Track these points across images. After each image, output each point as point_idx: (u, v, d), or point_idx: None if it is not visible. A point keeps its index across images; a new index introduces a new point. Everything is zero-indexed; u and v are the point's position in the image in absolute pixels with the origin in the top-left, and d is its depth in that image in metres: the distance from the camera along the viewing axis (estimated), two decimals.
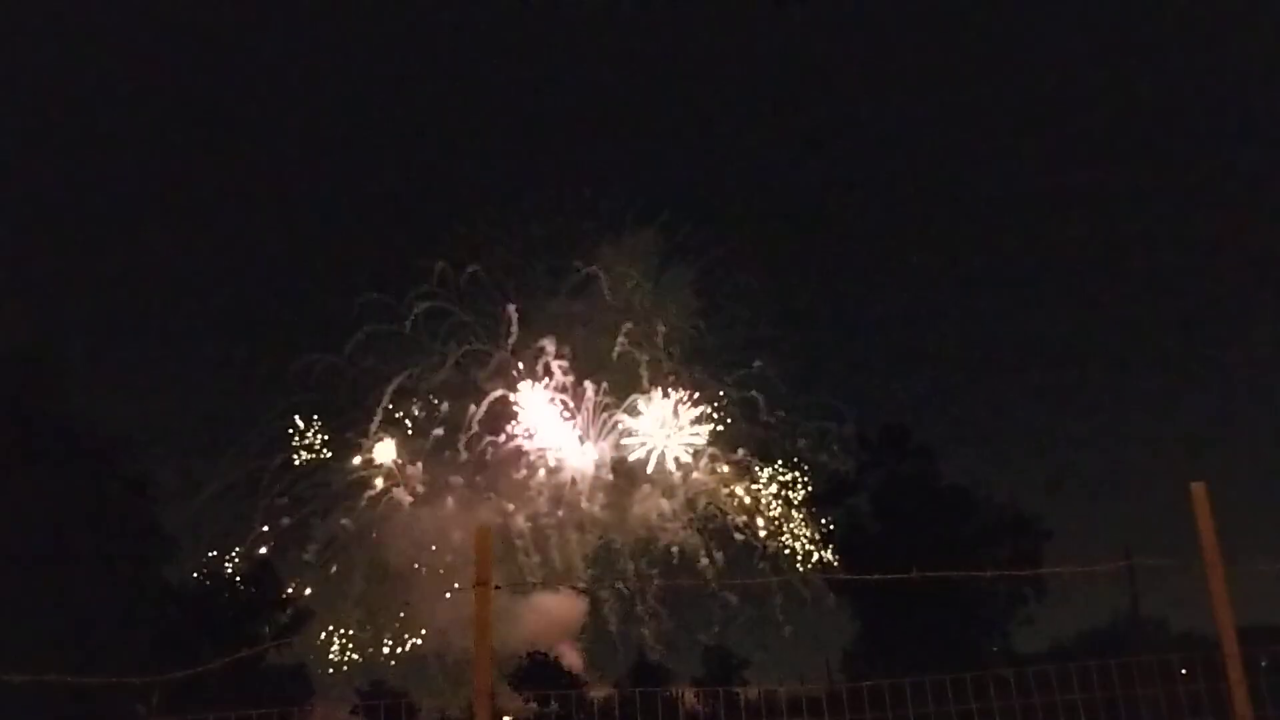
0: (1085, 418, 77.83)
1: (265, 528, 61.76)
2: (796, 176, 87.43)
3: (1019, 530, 42.97)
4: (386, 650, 61.02)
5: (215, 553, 54.69)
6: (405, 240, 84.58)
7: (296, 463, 62.86)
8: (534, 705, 44.14)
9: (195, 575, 46.84)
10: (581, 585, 69.91)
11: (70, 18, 74.13)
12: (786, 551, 63.93)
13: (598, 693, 46.72)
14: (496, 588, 6.30)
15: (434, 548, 62.98)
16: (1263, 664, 7.28)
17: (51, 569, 34.60)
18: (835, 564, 52.85)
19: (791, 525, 64.12)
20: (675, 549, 64.88)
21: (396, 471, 64.80)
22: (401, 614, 60.93)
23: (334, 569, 62.52)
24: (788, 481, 64.68)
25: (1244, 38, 74.80)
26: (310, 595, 56.44)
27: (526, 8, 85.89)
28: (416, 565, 62.34)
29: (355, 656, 60.14)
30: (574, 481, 65.48)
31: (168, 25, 78.99)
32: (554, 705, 41.28)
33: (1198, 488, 6.72)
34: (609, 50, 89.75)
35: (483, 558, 6.33)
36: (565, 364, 66.04)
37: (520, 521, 63.69)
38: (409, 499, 64.75)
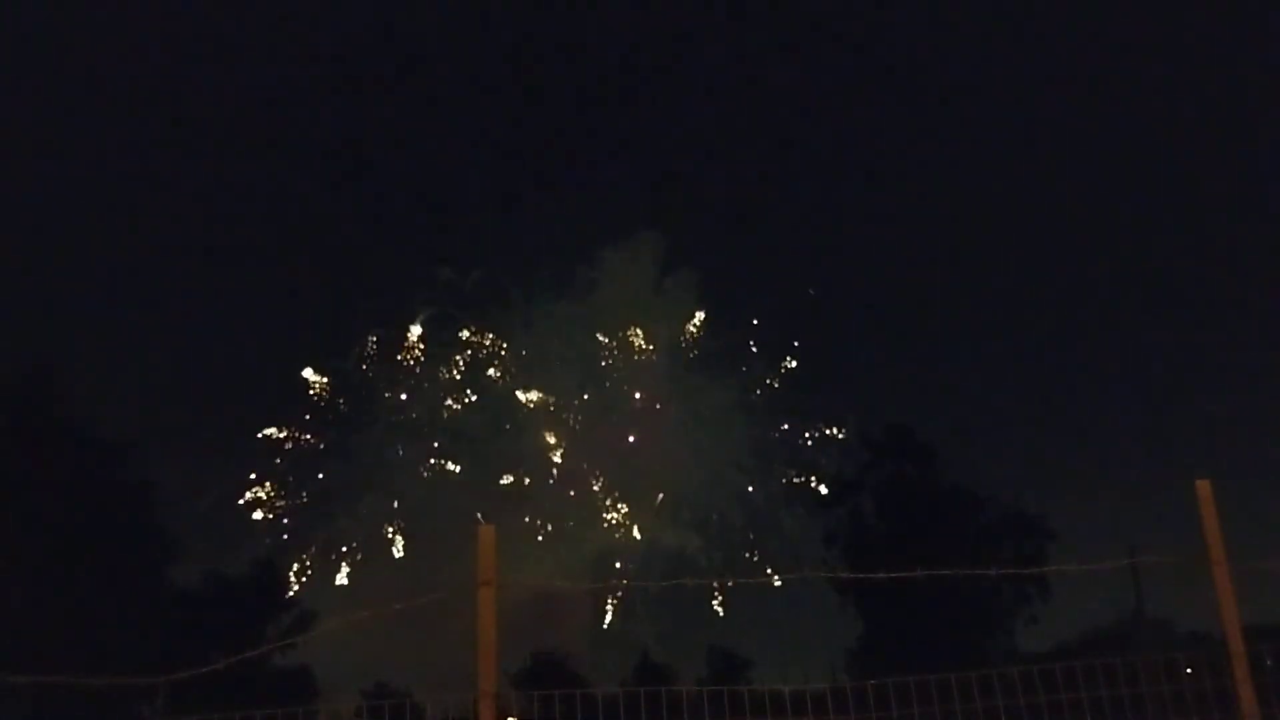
0: (1088, 417, 77.83)
1: (268, 530, 62.06)
2: (798, 178, 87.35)
3: (1023, 530, 42.93)
4: (388, 650, 61.12)
5: (219, 555, 54.81)
6: (410, 246, 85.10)
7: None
8: (538, 707, 44.05)
9: (199, 577, 46.82)
10: (584, 584, 70.25)
11: (73, 22, 74.28)
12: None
13: (602, 693, 46.66)
14: (500, 587, 6.28)
15: (434, 547, 63.25)
16: (1268, 663, 7.25)
17: (56, 572, 34.65)
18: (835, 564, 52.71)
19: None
20: (675, 549, 65.09)
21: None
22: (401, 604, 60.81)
23: (335, 569, 62.85)
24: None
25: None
26: (312, 596, 56.70)
27: (529, 11, 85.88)
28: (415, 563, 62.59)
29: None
30: (573, 483, 65.67)
31: (173, 30, 79.14)
32: (559, 707, 41.24)
33: (1203, 485, 6.70)
34: (611, 51, 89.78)
35: (486, 557, 6.31)
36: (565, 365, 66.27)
37: (521, 523, 63.87)
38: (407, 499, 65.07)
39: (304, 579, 60.52)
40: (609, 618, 64.10)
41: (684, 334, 67.29)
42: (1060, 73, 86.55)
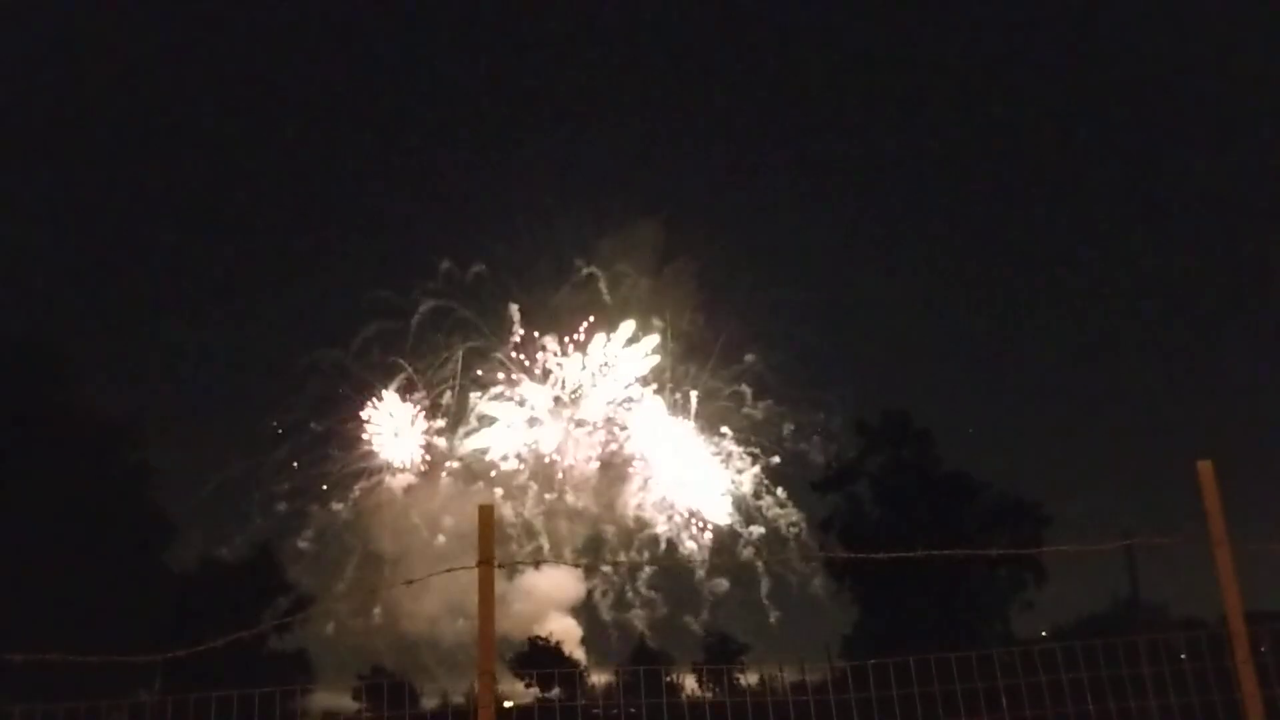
0: (1086, 405, 78.00)
1: (263, 515, 62.26)
2: (795, 169, 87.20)
3: (1019, 515, 42.98)
4: (379, 636, 61.54)
5: (215, 539, 54.98)
6: (412, 238, 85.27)
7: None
8: (535, 690, 44.23)
9: (196, 561, 46.95)
10: (579, 563, 70.73)
11: (73, 12, 73.89)
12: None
13: (599, 677, 46.86)
14: (499, 566, 6.24)
15: (425, 533, 63.64)
16: (1262, 649, 7.25)
17: (53, 555, 34.66)
18: (824, 548, 52.82)
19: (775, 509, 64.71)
20: (663, 536, 65.38)
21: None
22: (401, 585, 61.30)
23: (329, 555, 63.17)
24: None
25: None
26: (307, 581, 56.89)
27: (529, 5, 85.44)
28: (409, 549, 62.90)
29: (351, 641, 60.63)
30: (563, 474, 65.87)
31: (175, 17, 78.75)
32: (556, 690, 41.38)
33: (1204, 466, 6.67)
34: (608, 44, 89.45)
35: (485, 536, 6.27)
36: (562, 360, 66.39)
37: (510, 512, 64.04)
38: (403, 488, 65.31)
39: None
40: (599, 606, 64.36)
41: (681, 322, 67.25)
42: (1046, 60, 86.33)
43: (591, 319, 66.52)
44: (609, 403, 66.61)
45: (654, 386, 66.62)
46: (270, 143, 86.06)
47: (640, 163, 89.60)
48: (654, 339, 66.59)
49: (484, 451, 65.73)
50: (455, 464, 65.84)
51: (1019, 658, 6.95)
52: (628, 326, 66.49)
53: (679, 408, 66.67)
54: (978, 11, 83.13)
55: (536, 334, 66.17)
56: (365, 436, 65.14)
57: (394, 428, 65.55)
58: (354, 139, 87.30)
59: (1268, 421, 65.47)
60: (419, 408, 65.72)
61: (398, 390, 65.69)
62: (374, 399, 65.40)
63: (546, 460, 65.93)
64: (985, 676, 7.06)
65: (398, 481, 65.40)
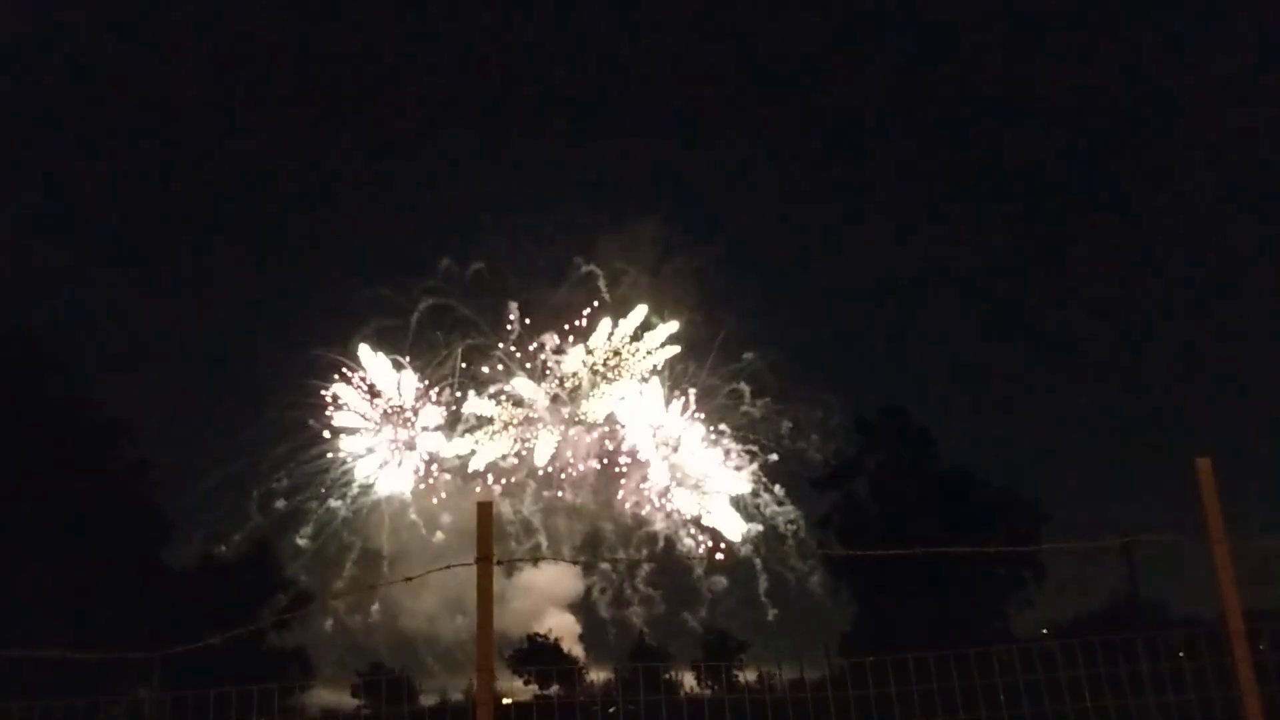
0: (1086, 404, 78.05)
1: (262, 512, 62.29)
2: (795, 167, 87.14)
3: (1018, 513, 43.04)
4: (378, 633, 61.63)
5: (214, 536, 55.00)
6: (412, 236, 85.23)
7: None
8: (534, 687, 44.24)
9: (195, 558, 46.92)
10: (578, 560, 70.89)
11: (71, 8, 73.85)
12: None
13: (598, 674, 46.93)
14: (498, 562, 6.24)
15: (424, 530, 63.74)
16: (1261, 647, 7.25)
17: (51, 552, 34.67)
18: (822, 545, 52.92)
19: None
20: (661, 533, 65.45)
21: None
22: (400, 582, 61.21)
23: (327, 552, 63.23)
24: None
25: None
26: (306, 578, 56.94)
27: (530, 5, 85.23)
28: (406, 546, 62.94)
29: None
30: (563, 472, 65.88)
31: (176, 12, 78.65)
32: (555, 687, 41.43)
33: (1203, 463, 6.67)
34: (608, 43, 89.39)
35: (484, 532, 6.27)
36: (561, 358, 66.39)
37: (508, 509, 64.04)
38: (401, 484, 65.33)
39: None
40: (597, 604, 64.42)
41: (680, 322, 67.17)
42: (1046, 61, 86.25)
43: (595, 304, 66.53)
44: (610, 398, 66.59)
45: (654, 383, 66.61)
46: (270, 140, 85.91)
47: (640, 162, 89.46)
48: (669, 328, 66.26)
49: (482, 449, 65.77)
50: (454, 461, 65.91)
51: (1018, 655, 6.95)
52: (639, 312, 66.25)
53: (677, 405, 66.72)
54: (979, 10, 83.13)
55: (528, 320, 66.21)
56: (330, 426, 64.74)
57: (386, 403, 65.37)
58: (353, 137, 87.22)
59: (1267, 420, 65.38)
60: (419, 378, 65.48)
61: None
62: (347, 370, 64.95)
63: (545, 459, 65.95)
64: (984, 674, 7.07)
65: (397, 477, 65.43)
